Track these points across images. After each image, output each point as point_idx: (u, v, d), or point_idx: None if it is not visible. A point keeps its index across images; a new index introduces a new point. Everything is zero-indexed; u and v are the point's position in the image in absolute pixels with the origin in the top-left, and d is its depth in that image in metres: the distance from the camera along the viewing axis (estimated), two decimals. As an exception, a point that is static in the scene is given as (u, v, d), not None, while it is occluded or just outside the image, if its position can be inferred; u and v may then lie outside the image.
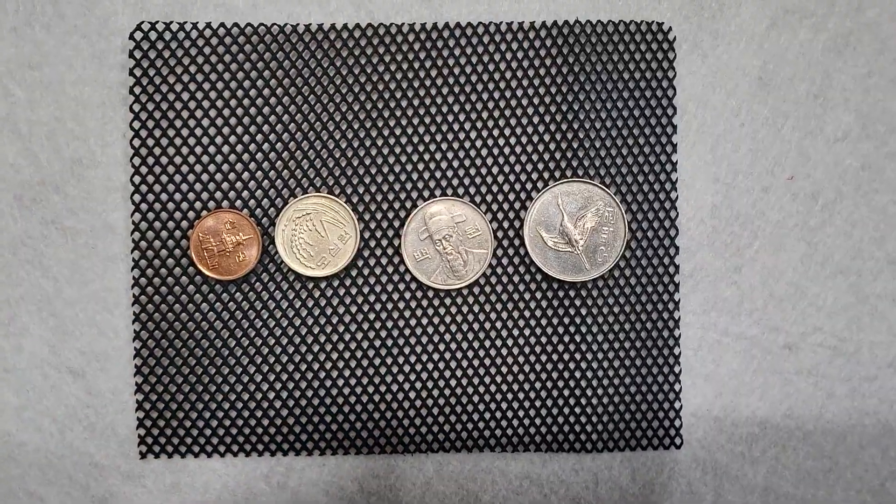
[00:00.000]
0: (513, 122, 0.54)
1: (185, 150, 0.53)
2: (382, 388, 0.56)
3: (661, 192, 0.56)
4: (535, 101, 0.55)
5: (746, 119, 0.55)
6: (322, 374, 0.56)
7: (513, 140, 0.54)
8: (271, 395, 0.55)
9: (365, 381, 0.56)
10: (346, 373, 0.56)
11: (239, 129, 0.54)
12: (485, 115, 0.54)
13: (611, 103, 0.55)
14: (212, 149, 0.53)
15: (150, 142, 0.54)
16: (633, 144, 0.56)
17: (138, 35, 0.55)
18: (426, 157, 0.54)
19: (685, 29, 0.55)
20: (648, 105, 0.54)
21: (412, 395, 0.55)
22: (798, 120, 0.55)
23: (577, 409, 0.56)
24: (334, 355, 0.56)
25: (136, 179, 0.53)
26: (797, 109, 0.55)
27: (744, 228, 0.55)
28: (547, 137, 0.54)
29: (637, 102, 0.55)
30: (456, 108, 0.55)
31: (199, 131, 0.53)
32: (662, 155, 0.55)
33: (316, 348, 0.56)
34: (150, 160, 0.53)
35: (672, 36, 0.55)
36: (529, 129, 0.54)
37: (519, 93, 0.56)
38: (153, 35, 0.55)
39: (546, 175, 0.55)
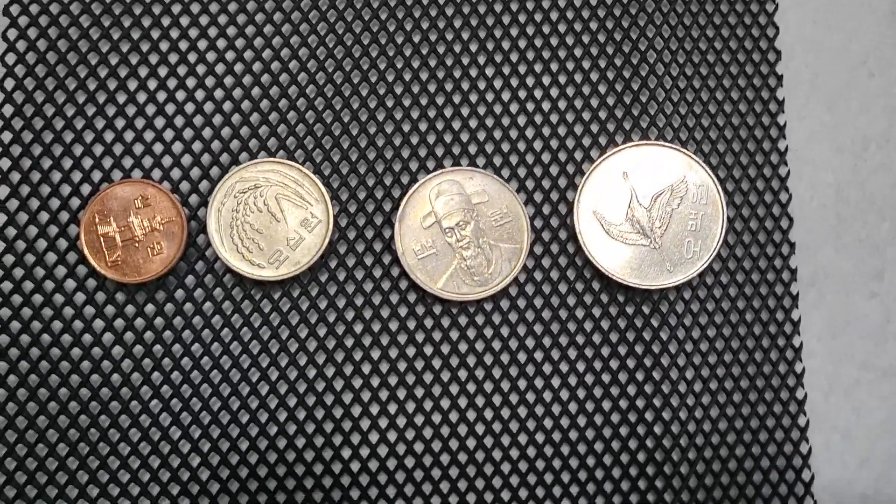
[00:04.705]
0: (554, 66, 0.41)
1: (80, 95, 0.39)
2: (364, 452, 0.39)
3: (766, 167, 0.42)
4: (585, 38, 0.42)
5: (876, 67, 0.43)
6: (273, 430, 0.38)
7: (554, 91, 0.41)
8: (195, 461, 0.38)
9: (338, 440, 0.39)
10: (310, 428, 0.39)
11: (161, 69, 0.40)
12: (514, 56, 0.41)
13: (690, 44, 0.42)
14: (120, 95, 0.40)
15: (30, 83, 0.39)
16: (722, 100, 0.41)
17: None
18: (430, 111, 0.41)
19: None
20: (742, 48, 0.42)
21: (409, 461, 0.39)
22: (948, 68, 0.43)
23: (659, 483, 0.39)
24: (291, 401, 0.39)
25: (6, 137, 0.39)
26: (946, 54, 0.43)
27: (882, 217, 0.42)
28: (602, 88, 0.41)
29: (726, 44, 0.42)
30: (474, 45, 0.41)
31: (102, 70, 0.39)
32: (764, 115, 0.42)
33: (265, 390, 0.38)
34: (28, 108, 0.39)
35: (771, -46, 0.43)
36: (578, 77, 0.41)
37: (562, 28, 0.42)
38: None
39: (603, 139, 0.41)
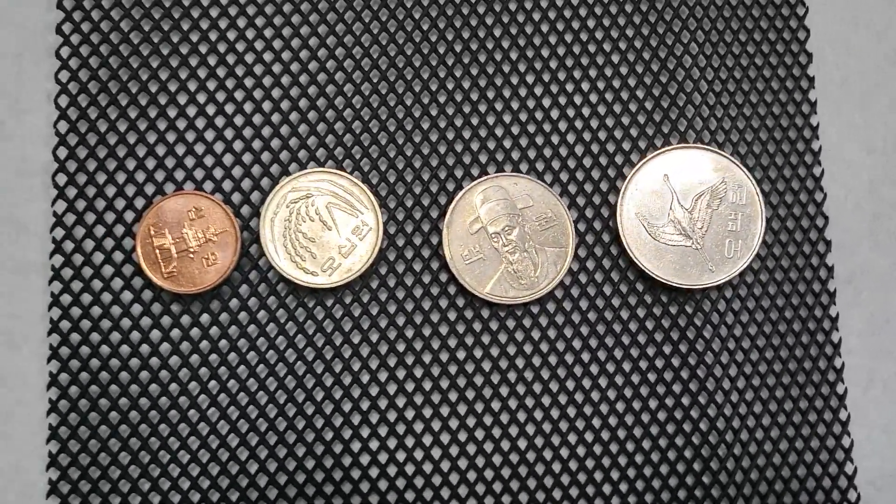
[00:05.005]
0: (593, 72, 0.42)
1: (132, 112, 0.40)
2: (419, 455, 0.39)
3: (800, 167, 0.42)
4: (622, 45, 0.42)
5: (907, 68, 0.44)
6: (329, 435, 0.39)
7: (594, 97, 0.42)
8: (253, 467, 0.39)
9: (392, 443, 0.39)
10: (365, 432, 0.40)
11: (211, 83, 0.41)
12: (554, 63, 0.42)
13: (724, 49, 0.41)
14: (171, 109, 0.40)
15: (84, 100, 0.38)
16: (757, 103, 0.41)
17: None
18: (473, 119, 0.41)
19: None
20: (774, 52, 0.42)
21: (462, 463, 0.40)
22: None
23: (706, 478, 0.39)
24: (346, 405, 0.39)
25: (62, 153, 0.38)
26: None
27: (917, 215, 0.43)
28: (641, 93, 0.42)
29: (759, 49, 0.43)
30: (514, 53, 0.42)
31: (153, 85, 0.40)
32: (798, 117, 0.42)
33: (320, 396, 0.38)
34: (83, 126, 0.40)
35: (800, -42, 0.43)
36: (617, 83, 0.42)
37: (599, 35, 0.42)
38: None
39: (642, 143, 0.41)
